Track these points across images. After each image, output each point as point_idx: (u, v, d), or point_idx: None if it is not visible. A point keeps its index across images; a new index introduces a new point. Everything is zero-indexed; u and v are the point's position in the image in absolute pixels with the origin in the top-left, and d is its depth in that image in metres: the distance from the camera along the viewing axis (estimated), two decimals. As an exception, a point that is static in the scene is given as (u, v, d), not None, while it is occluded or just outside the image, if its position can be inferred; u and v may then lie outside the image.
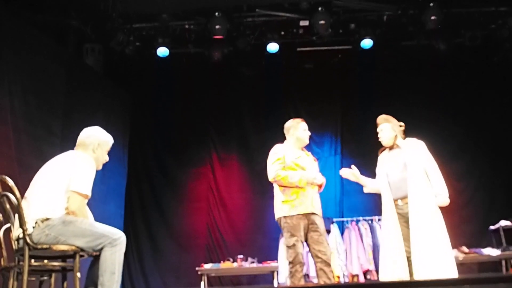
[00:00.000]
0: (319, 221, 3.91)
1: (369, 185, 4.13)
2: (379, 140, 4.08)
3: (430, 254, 3.59)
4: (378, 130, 4.07)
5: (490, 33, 6.70)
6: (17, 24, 5.12)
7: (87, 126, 3.20)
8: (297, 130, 4.14)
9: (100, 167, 3.12)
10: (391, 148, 4.04)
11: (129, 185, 7.27)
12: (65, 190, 2.82)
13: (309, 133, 4.19)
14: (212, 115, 7.78)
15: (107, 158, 3.16)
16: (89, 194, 2.89)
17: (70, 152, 3.05)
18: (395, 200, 3.87)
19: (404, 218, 3.81)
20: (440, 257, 3.62)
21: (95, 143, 3.07)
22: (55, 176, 2.85)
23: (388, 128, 4.02)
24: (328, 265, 3.80)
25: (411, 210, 3.73)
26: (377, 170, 4.10)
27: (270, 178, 3.97)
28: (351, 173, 4.12)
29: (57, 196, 2.80)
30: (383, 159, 4.08)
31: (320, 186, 4.04)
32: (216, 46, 6.76)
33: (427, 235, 3.64)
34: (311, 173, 3.98)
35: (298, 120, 4.24)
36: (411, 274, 3.72)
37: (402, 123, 4.09)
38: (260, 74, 7.54)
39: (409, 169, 3.83)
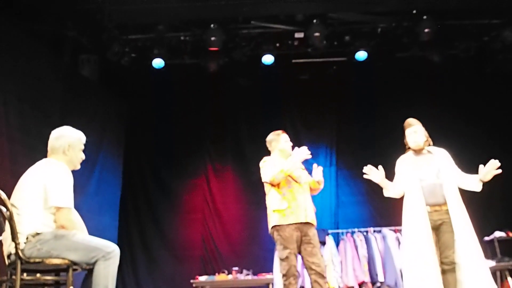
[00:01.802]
0: (313, 233, 3.90)
1: (390, 189, 3.96)
2: (410, 140, 3.86)
3: (479, 264, 3.54)
4: (411, 130, 3.87)
5: (483, 45, 6.79)
6: (13, 33, 5.12)
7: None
8: (278, 142, 4.17)
9: (77, 167, 2.99)
10: (418, 152, 3.90)
11: (124, 196, 7.24)
12: (44, 205, 2.76)
13: (291, 144, 4.19)
14: (208, 126, 7.77)
15: (82, 157, 3.03)
16: (71, 205, 2.81)
17: (43, 161, 2.94)
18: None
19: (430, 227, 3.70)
20: (485, 266, 3.58)
21: (65, 145, 2.94)
22: (36, 190, 2.78)
23: (422, 130, 3.89)
24: (323, 277, 3.78)
25: (454, 218, 3.62)
26: (402, 173, 3.89)
27: (269, 178, 3.91)
28: (376, 173, 3.89)
29: (43, 211, 2.77)
30: (411, 163, 3.87)
31: (319, 183, 4.05)
32: (211, 57, 6.77)
33: (473, 245, 3.58)
34: (292, 159, 3.93)
35: (279, 132, 4.26)
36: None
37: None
38: (255, 86, 7.56)
39: (445, 176, 3.73)
